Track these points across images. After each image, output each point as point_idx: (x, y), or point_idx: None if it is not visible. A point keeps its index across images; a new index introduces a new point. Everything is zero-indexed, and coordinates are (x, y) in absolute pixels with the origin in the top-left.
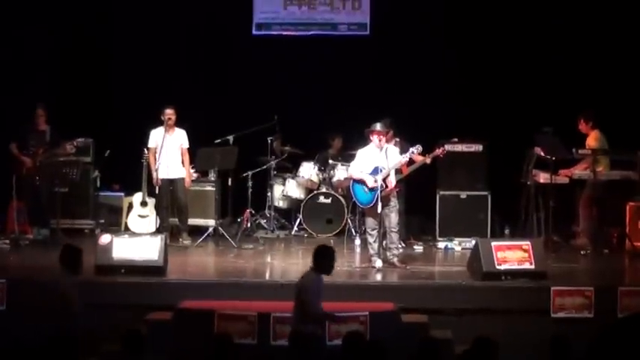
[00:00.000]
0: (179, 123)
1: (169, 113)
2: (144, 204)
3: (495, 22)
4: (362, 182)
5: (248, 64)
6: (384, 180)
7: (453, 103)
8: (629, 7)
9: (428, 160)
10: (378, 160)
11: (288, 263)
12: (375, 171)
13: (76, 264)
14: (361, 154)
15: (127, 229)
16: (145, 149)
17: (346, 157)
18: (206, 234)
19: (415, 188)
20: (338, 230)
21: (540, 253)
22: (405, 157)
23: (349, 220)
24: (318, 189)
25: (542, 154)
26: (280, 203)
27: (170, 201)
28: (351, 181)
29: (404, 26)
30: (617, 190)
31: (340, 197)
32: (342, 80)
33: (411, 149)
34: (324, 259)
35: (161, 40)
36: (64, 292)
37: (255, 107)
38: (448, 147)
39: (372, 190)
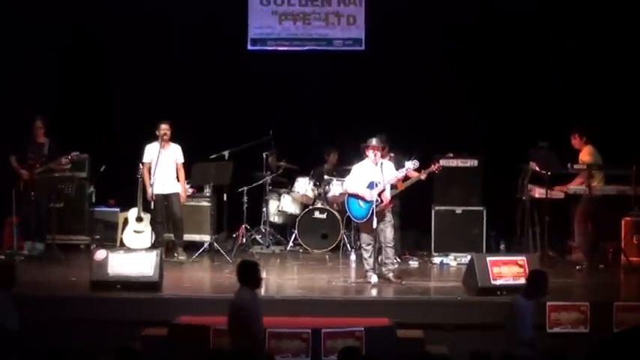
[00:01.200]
0: (175, 138)
1: (164, 128)
2: (139, 219)
3: (490, 37)
4: (357, 197)
5: (243, 79)
6: (380, 195)
7: (448, 118)
8: (621, 23)
9: (423, 177)
10: (374, 175)
11: (283, 279)
12: (371, 186)
13: (255, 279)
14: (357, 168)
15: (122, 244)
16: (140, 164)
17: (341, 172)
18: (201, 249)
19: (410, 203)
20: (333, 245)
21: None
22: (402, 172)
23: (344, 236)
24: (313, 204)
25: (537, 169)
26: (275, 218)
27: (165, 216)
28: (346, 196)
29: (399, 42)
30: (613, 205)
31: (335, 212)
32: (338, 95)
33: (408, 164)
34: (535, 282)
35: (157, 55)
36: (245, 309)
37: (250, 122)
38: (443, 162)
39: (367, 204)
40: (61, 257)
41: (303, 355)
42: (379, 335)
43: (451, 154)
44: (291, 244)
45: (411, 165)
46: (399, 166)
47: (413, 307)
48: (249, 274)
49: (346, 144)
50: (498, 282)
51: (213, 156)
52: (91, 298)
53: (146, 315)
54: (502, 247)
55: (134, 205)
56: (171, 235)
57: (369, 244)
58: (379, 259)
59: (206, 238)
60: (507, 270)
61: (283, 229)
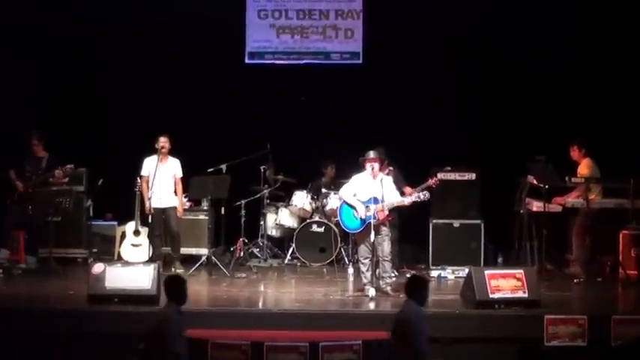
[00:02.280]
0: (172, 151)
1: (163, 141)
2: (137, 233)
3: (486, 51)
4: (352, 207)
5: (241, 92)
6: (377, 212)
7: (446, 131)
8: (618, 35)
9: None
10: (374, 189)
11: (281, 292)
12: (371, 202)
13: (423, 295)
14: (356, 179)
15: (119, 258)
16: (138, 178)
17: (339, 185)
18: (199, 263)
19: (408, 217)
20: (331, 259)
21: (533, 282)
22: (409, 199)
23: (342, 249)
24: (311, 218)
25: (535, 182)
26: (273, 232)
27: (163, 230)
28: (340, 203)
29: (396, 55)
30: (610, 219)
31: (333, 226)
32: (335, 109)
33: (418, 194)
34: None
35: (155, 68)
36: (409, 322)
37: (247, 136)
38: (441, 175)
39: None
40: (59, 271)
41: None
42: (377, 349)
43: (449, 168)
44: (288, 257)
45: (421, 195)
46: (397, 180)
47: None
48: (418, 290)
49: (344, 157)
50: (496, 295)
51: (211, 169)
52: (89, 312)
53: (144, 328)
54: (500, 260)
55: (132, 218)
56: (169, 248)
57: (366, 258)
58: (377, 272)
59: (204, 251)
60: (505, 283)
61: (281, 242)
